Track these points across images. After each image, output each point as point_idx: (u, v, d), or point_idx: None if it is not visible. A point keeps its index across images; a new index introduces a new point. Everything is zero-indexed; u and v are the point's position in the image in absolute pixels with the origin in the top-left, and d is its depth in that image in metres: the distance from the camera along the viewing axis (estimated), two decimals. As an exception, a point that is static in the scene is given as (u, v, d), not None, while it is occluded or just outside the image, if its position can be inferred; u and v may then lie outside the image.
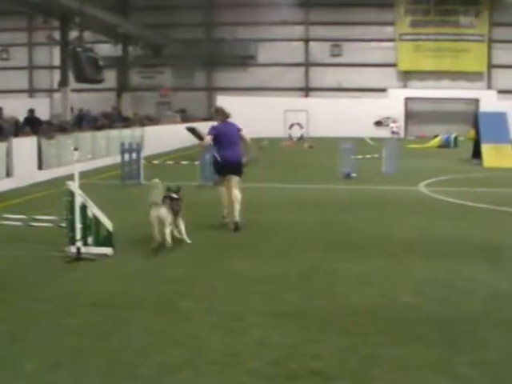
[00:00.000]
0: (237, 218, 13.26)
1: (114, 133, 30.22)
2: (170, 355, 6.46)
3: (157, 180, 11.15)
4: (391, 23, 56.90)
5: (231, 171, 13.69)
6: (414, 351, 6.56)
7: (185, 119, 46.49)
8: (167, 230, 10.97)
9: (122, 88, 46.75)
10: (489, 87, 56.86)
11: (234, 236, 12.59)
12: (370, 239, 12.29)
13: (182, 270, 9.77)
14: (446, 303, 8.21)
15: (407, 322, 7.46)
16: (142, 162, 21.64)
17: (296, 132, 51.44)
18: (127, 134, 30.60)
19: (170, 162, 26.38)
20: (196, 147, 22.39)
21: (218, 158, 13.71)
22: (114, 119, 37.36)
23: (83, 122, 32.15)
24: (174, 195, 11.71)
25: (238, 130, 14.12)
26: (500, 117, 29.74)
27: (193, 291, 8.67)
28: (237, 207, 13.38)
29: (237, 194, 13.54)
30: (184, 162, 24.92)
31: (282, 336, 6.98)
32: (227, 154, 13.62)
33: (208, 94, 58.12)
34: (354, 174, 22.39)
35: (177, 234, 11.65)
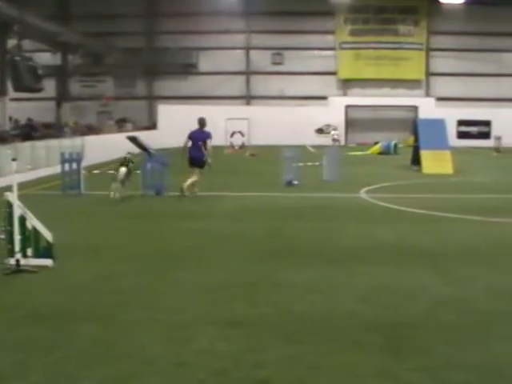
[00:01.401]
0: (184, 185, 19.02)
1: (53, 142, 29.83)
2: (116, 367, 6.36)
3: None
4: (332, 32, 57.50)
5: (193, 164, 19.39)
6: (359, 358, 6.58)
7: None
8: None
9: (62, 97, 46.27)
10: (427, 95, 57.82)
11: (180, 243, 12.53)
12: (313, 247, 12.30)
13: (127, 280, 9.65)
14: (389, 309, 8.25)
15: (352, 330, 7.47)
16: (83, 171, 21.39)
17: (237, 140, 51.55)
18: (67, 144, 30.25)
19: (112, 172, 26.16)
20: (138, 156, 22.30)
21: (188, 155, 19.37)
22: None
23: (33, 131, 31.74)
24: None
25: (206, 137, 19.40)
26: (439, 123, 30.21)
27: (138, 301, 8.56)
28: (188, 182, 19.19)
29: (193, 177, 19.30)
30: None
31: (228, 345, 6.93)
32: (191, 153, 19.40)
33: (149, 103, 57.93)
34: (295, 182, 22.48)
35: None
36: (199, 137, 19.43)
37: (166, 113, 52.89)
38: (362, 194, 20.40)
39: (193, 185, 19.40)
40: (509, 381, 6.09)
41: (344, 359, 6.57)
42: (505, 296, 8.89)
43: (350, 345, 6.98)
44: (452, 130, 47.06)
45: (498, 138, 47.66)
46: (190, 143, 19.56)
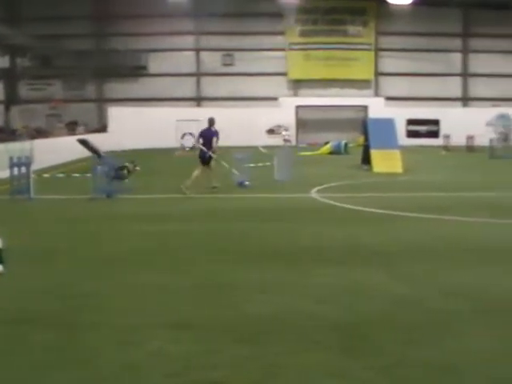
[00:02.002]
0: (187, 183, 20.81)
1: (1, 147, 29.42)
2: (67, 372, 6.28)
3: None
4: (281, 33, 57.69)
5: (200, 161, 21.56)
6: (315, 359, 6.59)
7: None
8: None
9: (11, 100, 45.69)
10: (376, 94, 58.34)
11: (131, 246, 12.45)
12: (266, 247, 12.30)
13: (78, 285, 9.53)
14: (344, 309, 8.28)
15: (307, 330, 7.48)
16: (32, 175, 21.16)
17: (188, 142, 51.35)
18: (16, 148, 29.86)
19: (61, 175, 25.97)
20: (87, 159, 22.20)
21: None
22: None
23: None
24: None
25: (212, 135, 21.46)
26: (388, 123, 30.51)
27: (90, 305, 8.45)
28: (192, 176, 21.10)
29: (196, 172, 21.33)
30: (76, 175, 24.56)
31: (179, 347, 6.88)
32: (200, 150, 21.47)
33: (99, 106, 57.52)
34: (247, 183, 22.51)
35: None
36: (206, 135, 21.60)
37: (117, 115, 52.54)
38: (314, 193, 20.50)
39: (194, 181, 20.98)
40: (461, 378, 6.16)
41: (300, 360, 6.56)
42: (457, 294, 8.98)
43: (306, 345, 6.99)
44: (401, 129, 47.55)
45: (447, 137, 48.30)
46: (201, 141, 21.60)
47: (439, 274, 10.19)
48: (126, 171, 22.46)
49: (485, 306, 8.43)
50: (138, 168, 23.37)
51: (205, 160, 21.41)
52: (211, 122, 22.07)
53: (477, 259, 11.33)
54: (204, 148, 21.36)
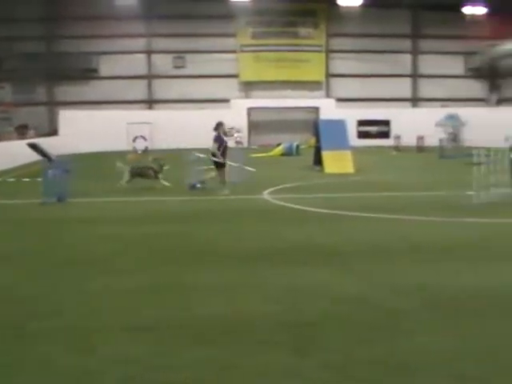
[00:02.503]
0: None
1: None
2: (18, 380, 6.23)
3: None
4: (233, 35, 57.73)
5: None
6: (270, 358, 6.65)
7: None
8: None
9: (-41, 104, 45.08)
10: (328, 96, 58.70)
11: (85, 251, 12.39)
12: (220, 249, 12.34)
13: (29, 289, 9.47)
14: (297, 309, 8.36)
15: (262, 330, 7.55)
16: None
17: (140, 144, 51.19)
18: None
19: (12, 180, 25.70)
20: (38, 164, 22.01)
21: None
22: None
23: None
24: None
25: (214, 140, 21.26)
26: (339, 124, 30.73)
27: (41, 310, 8.40)
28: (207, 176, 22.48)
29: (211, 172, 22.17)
30: (26, 179, 24.32)
31: (137, 350, 6.88)
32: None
33: (50, 109, 56.96)
34: (199, 185, 22.53)
35: None
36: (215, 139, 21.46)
37: (68, 118, 52.14)
38: (266, 195, 20.59)
39: (219, 179, 21.49)
40: (412, 375, 6.26)
41: (254, 360, 6.62)
42: (409, 292, 9.12)
43: (261, 345, 7.04)
44: (352, 130, 48.03)
45: (397, 137, 48.84)
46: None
47: (391, 272, 10.32)
48: (151, 172, 23.20)
49: (436, 304, 8.56)
50: (166, 167, 23.90)
51: (215, 164, 21.39)
52: (217, 126, 21.71)
53: (427, 258, 11.50)
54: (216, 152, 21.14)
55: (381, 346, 7.01)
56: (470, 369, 6.40)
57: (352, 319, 8.00)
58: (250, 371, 6.36)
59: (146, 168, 23.60)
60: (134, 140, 52.14)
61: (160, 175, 23.28)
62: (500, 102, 60.48)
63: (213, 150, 21.14)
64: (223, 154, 21.20)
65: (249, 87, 59.17)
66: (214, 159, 21.20)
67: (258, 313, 8.21)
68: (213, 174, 21.89)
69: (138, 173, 23.38)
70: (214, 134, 21.41)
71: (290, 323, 7.81)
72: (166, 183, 23.09)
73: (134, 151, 48.12)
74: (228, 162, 21.88)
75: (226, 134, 22.14)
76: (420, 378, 6.22)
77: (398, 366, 6.47)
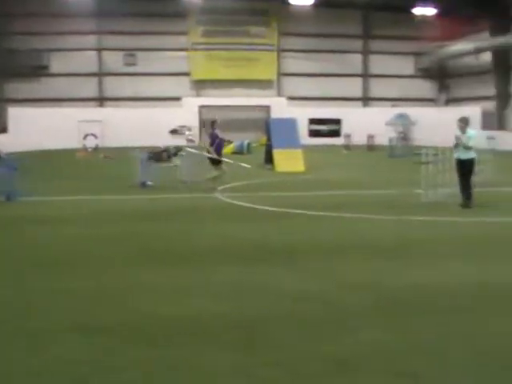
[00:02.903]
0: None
1: None
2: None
3: None
4: (184, 33, 57.54)
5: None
6: (218, 357, 6.68)
7: None
8: None
9: None
10: (279, 94, 58.88)
11: (34, 251, 12.28)
12: (171, 248, 12.33)
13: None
14: (247, 307, 8.43)
15: (212, 329, 7.58)
16: None
17: (90, 142, 50.78)
18: None
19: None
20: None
21: None
22: None
23: None
24: None
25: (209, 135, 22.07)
26: (290, 123, 30.87)
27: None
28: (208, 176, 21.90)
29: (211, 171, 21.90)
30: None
31: (88, 351, 6.86)
32: None
33: (-1, 106, 56.22)
34: (150, 183, 22.46)
35: None
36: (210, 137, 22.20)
37: (18, 116, 51.46)
38: (217, 193, 20.60)
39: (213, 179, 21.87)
40: (356, 372, 6.36)
41: (203, 359, 6.64)
42: (356, 289, 9.25)
43: (210, 344, 7.07)
44: (303, 128, 48.25)
45: (348, 136, 49.22)
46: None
47: (341, 270, 10.45)
48: (165, 154, 23.95)
49: (384, 301, 8.69)
50: (183, 153, 24.69)
51: (212, 161, 21.91)
52: (212, 123, 22.53)
53: (375, 255, 11.66)
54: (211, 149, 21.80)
55: (329, 343, 7.10)
56: (412, 365, 6.52)
57: (300, 316, 8.07)
58: (198, 371, 6.38)
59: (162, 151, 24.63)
60: (85, 138, 51.71)
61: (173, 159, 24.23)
62: (449, 101, 61.32)
63: (206, 145, 22.15)
64: (218, 151, 21.78)
65: (200, 86, 59.08)
66: (208, 155, 21.79)
67: (208, 312, 8.23)
68: (214, 173, 22.03)
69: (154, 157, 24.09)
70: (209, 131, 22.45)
71: (239, 322, 7.86)
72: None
73: (84, 149, 47.75)
74: (225, 160, 22.43)
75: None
76: (363, 374, 6.31)
77: (344, 362, 6.56)
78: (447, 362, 6.61)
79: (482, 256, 11.68)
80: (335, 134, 55.45)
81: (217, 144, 21.84)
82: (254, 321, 7.90)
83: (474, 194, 17.49)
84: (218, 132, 22.13)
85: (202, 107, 55.93)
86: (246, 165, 23.94)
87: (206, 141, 22.20)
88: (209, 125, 22.59)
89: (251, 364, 6.53)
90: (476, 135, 17.61)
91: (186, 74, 58.45)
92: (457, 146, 17.50)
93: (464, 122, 17.66)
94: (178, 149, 24.21)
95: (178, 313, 8.23)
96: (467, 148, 17.33)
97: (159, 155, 24.33)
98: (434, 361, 6.63)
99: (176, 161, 23.29)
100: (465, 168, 17.40)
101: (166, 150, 24.01)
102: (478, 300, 8.87)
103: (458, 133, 17.50)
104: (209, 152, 21.77)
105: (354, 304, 8.57)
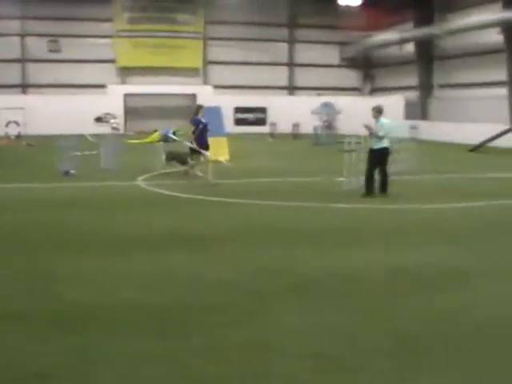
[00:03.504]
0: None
1: None
2: None
3: None
4: (109, 20, 56.85)
5: None
6: (138, 344, 6.73)
7: None
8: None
9: None
10: (205, 82, 58.77)
11: None
12: (89, 236, 12.28)
13: None
14: (166, 294, 8.49)
15: (130, 316, 7.63)
16: None
17: (13, 130, 49.84)
18: None
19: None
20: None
21: None
22: None
23: None
24: None
25: (194, 123, 20.59)
26: (215, 111, 30.79)
27: None
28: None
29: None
30: None
31: (7, 339, 6.83)
32: None
33: None
34: (72, 171, 22.21)
35: None
36: (192, 123, 20.91)
37: None
38: (140, 181, 20.51)
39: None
40: (276, 355, 6.48)
41: (123, 346, 6.69)
42: (273, 275, 9.42)
43: (129, 331, 7.12)
44: (229, 117, 48.32)
45: (273, 125, 49.45)
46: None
47: (259, 257, 10.62)
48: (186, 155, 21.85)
49: (299, 286, 8.89)
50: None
51: (190, 150, 20.96)
52: (197, 109, 21.45)
53: (294, 242, 11.85)
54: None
55: (247, 328, 7.24)
56: (327, 347, 6.68)
57: (218, 302, 8.18)
58: (117, 358, 6.42)
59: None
60: (7, 125, 50.72)
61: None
62: (373, 91, 62.11)
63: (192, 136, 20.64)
64: (200, 139, 20.55)
65: (126, 73, 58.51)
66: (189, 145, 20.88)
67: (128, 299, 8.27)
68: (188, 166, 21.41)
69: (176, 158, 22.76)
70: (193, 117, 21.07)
71: (157, 309, 7.93)
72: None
73: (7, 137, 46.86)
74: (204, 152, 20.67)
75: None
76: (279, 357, 6.43)
77: (259, 347, 6.68)
78: (359, 344, 6.80)
79: (396, 242, 11.99)
80: (261, 122, 55.65)
81: (200, 131, 20.59)
82: (171, 307, 7.98)
83: (388, 182, 17.67)
84: (201, 118, 20.87)
85: (127, 95, 55.44)
86: (223, 159, 23.02)
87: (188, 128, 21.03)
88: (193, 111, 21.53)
89: (170, 350, 6.59)
90: (389, 124, 17.54)
91: (112, 62, 57.79)
92: (371, 135, 17.66)
93: (377, 111, 17.72)
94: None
95: (98, 300, 8.25)
96: (378, 137, 17.43)
97: (182, 157, 22.39)
98: (348, 343, 6.82)
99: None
100: (375, 158, 17.45)
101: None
102: (390, 283, 9.12)
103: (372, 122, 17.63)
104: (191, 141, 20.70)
105: (269, 289, 8.71)
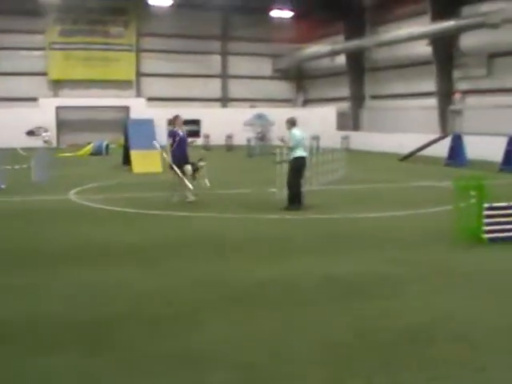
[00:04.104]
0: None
1: None
2: None
3: None
4: (41, 32, 56.17)
5: None
6: (62, 359, 6.66)
7: None
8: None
9: None
10: (138, 95, 58.48)
11: None
12: (18, 251, 12.14)
13: None
14: (92, 308, 8.44)
15: (55, 331, 7.55)
16: None
17: None
18: None
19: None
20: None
21: None
22: None
23: None
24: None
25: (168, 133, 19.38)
26: (147, 123, 30.76)
27: None
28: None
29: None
30: None
31: None
32: None
33: None
34: (2, 186, 21.87)
35: None
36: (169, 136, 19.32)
37: None
38: (72, 195, 20.27)
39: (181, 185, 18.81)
40: (206, 366, 6.50)
41: (47, 361, 6.62)
42: (207, 286, 9.46)
43: (54, 346, 7.04)
44: (163, 129, 48.15)
45: (207, 137, 49.47)
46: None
47: (189, 267, 10.66)
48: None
49: (229, 296, 8.94)
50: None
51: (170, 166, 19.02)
52: (173, 119, 19.57)
53: (225, 252, 11.97)
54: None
55: (177, 340, 7.23)
56: (260, 357, 6.71)
57: (147, 314, 8.17)
58: (39, 373, 6.34)
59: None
60: None
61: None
62: (306, 102, 62.61)
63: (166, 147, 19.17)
64: (178, 152, 18.80)
65: (58, 86, 57.81)
66: (166, 158, 19.24)
67: (55, 314, 8.19)
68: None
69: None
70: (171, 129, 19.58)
71: (84, 323, 7.86)
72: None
73: None
74: (176, 170, 18.68)
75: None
76: (210, 368, 6.43)
77: (192, 358, 6.69)
78: (292, 353, 6.86)
79: (328, 251, 12.14)
80: (195, 134, 55.45)
81: (177, 143, 18.84)
82: (101, 322, 7.90)
83: (302, 194, 17.67)
84: (178, 130, 19.01)
85: (59, 108, 54.77)
86: (207, 181, 20.82)
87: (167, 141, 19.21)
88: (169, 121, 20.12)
89: (95, 365, 6.54)
90: (298, 135, 17.59)
91: (43, 74, 57.09)
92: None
93: (290, 123, 17.87)
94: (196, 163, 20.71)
95: (23, 314, 8.14)
96: (289, 148, 17.59)
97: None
98: (281, 352, 6.87)
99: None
100: (292, 168, 17.46)
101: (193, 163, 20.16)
102: (323, 292, 9.22)
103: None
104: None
105: (202, 300, 8.73)
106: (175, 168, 18.63)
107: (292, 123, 17.82)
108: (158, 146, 21.03)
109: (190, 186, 18.72)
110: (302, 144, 17.68)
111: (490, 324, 7.83)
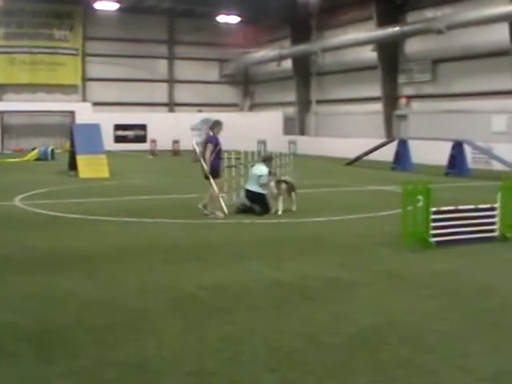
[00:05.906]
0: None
1: None
2: None
3: None
4: (-16, 35, 55.38)
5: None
6: (9, 370, 6.54)
7: None
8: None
9: None
10: (84, 100, 57.97)
11: None
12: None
13: None
14: (40, 317, 8.28)
15: (2, 340, 7.39)
16: None
17: None
18: None
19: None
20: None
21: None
22: None
23: None
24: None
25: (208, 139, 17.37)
26: (94, 128, 30.54)
27: None
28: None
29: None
30: None
31: None
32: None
33: None
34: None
35: None
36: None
37: None
38: (17, 201, 19.93)
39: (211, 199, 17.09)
40: (156, 374, 6.43)
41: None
42: (154, 293, 9.38)
43: (1, 356, 6.90)
44: (109, 134, 47.87)
45: (154, 142, 49.22)
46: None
47: (139, 274, 10.55)
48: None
49: (179, 303, 8.90)
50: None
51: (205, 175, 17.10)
52: (213, 125, 17.68)
53: (174, 259, 11.85)
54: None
55: (124, 347, 7.14)
56: (209, 364, 6.67)
57: (95, 322, 8.06)
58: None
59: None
60: None
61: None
62: (253, 107, 62.76)
63: (199, 154, 17.50)
64: (216, 163, 17.06)
65: (2, 90, 57.05)
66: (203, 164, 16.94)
67: (3, 323, 8.03)
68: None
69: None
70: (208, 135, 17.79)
71: (33, 332, 7.71)
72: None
73: None
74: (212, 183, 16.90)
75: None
76: (162, 376, 6.38)
77: (142, 366, 6.61)
78: (242, 359, 6.82)
79: (278, 255, 12.13)
80: (141, 139, 55.18)
81: (216, 153, 16.97)
82: (46, 330, 7.77)
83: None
84: (217, 136, 17.33)
85: (3, 112, 54.02)
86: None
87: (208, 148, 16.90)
88: (207, 127, 18.60)
89: (44, 374, 6.42)
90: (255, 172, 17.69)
91: (-14, 79, 56.34)
92: None
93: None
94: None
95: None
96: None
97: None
98: (230, 358, 6.83)
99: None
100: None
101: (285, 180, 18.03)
102: (273, 297, 9.23)
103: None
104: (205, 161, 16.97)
105: (152, 308, 8.67)
106: (211, 181, 16.87)
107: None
108: (197, 147, 19.26)
109: (225, 208, 16.96)
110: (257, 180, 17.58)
111: (440, 327, 7.91)
